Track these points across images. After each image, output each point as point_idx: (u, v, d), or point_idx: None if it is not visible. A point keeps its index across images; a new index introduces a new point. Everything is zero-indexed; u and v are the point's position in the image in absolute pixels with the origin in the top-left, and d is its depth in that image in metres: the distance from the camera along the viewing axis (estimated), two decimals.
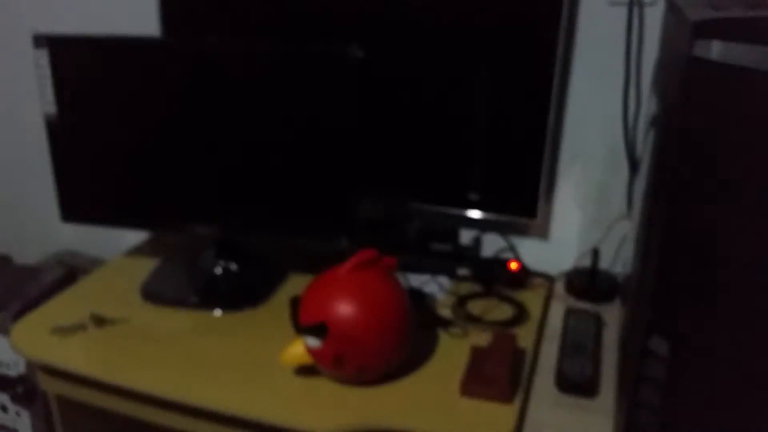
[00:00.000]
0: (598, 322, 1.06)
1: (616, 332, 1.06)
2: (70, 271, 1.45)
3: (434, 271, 1.24)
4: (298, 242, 1.16)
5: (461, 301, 1.15)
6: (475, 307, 1.14)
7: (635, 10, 1.09)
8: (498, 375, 0.92)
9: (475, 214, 1.19)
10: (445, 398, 0.92)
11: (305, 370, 0.97)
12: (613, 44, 1.12)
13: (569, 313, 1.08)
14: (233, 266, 1.22)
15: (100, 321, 1.09)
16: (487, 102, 1.13)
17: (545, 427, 0.86)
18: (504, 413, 0.89)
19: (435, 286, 1.20)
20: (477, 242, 1.27)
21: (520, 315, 1.11)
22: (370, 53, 1.10)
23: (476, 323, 1.09)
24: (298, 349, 0.93)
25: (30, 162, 1.60)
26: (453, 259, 1.24)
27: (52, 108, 1.13)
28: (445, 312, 1.13)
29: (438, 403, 0.91)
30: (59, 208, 1.19)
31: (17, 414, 1.36)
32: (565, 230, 1.27)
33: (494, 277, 1.20)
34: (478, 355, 0.97)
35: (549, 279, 1.24)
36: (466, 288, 1.20)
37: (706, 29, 0.57)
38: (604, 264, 1.23)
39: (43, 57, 1.10)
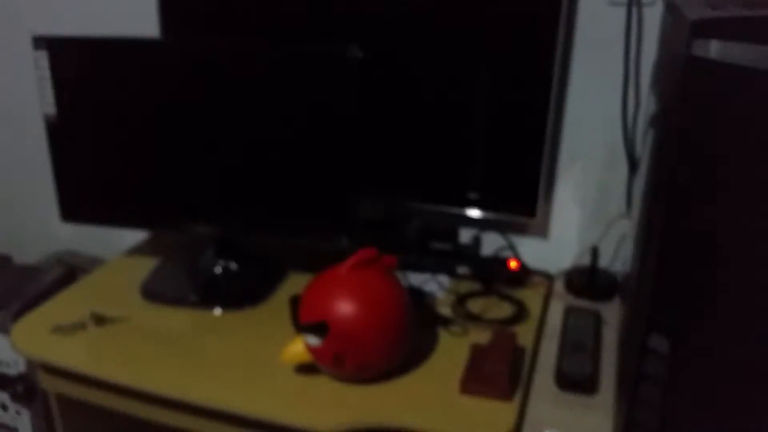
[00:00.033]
0: (598, 320, 1.06)
1: (616, 330, 1.06)
2: (69, 270, 1.45)
3: (434, 269, 1.24)
4: (298, 242, 1.16)
5: (461, 300, 1.15)
6: (475, 305, 1.15)
7: (634, 10, 1.09)
8: (498, 373, 0.92)
9: (474, 213, 1.20)
10: (445, 396, 0.92)
11: (305, 369, 0.97)
12: (612, 44, 1.12)
13: (569, 311, 1.09)
14: (233, 265, 1.22)
15: (100, 320, 1.09)
16: (486, 101, 1.13)
17: (545, 424, 0.86)
18: (504, 411, 0.89)
19: (435, 285, 1.21)
20: (477, 241, 1.27)
21: (520, 313, 1.12)
22: (369, 53, 1.10)
23: (476, 321, 1.10)
24: (298, 348, 0.93)
25: (30, 162, 1.60)
26: (453, 257, 1.24)
27: (51, 109, 1.13)
28: (445, 310, 1.13)
29: (438, 401, 0.91)
30: (59, 207, 1.19)
31: (17, 413, 1.36)
32: (564, 229, 1.27)
33: (494, 276, 1.20)
34: (477, 354, 0.97)
35: (548, 277, 1.24)
36: (465, 286, 1.20)
37: (705, 29, 0.57)
38: (603, 262, 1.23)
39: (43, 58, 1.11)
